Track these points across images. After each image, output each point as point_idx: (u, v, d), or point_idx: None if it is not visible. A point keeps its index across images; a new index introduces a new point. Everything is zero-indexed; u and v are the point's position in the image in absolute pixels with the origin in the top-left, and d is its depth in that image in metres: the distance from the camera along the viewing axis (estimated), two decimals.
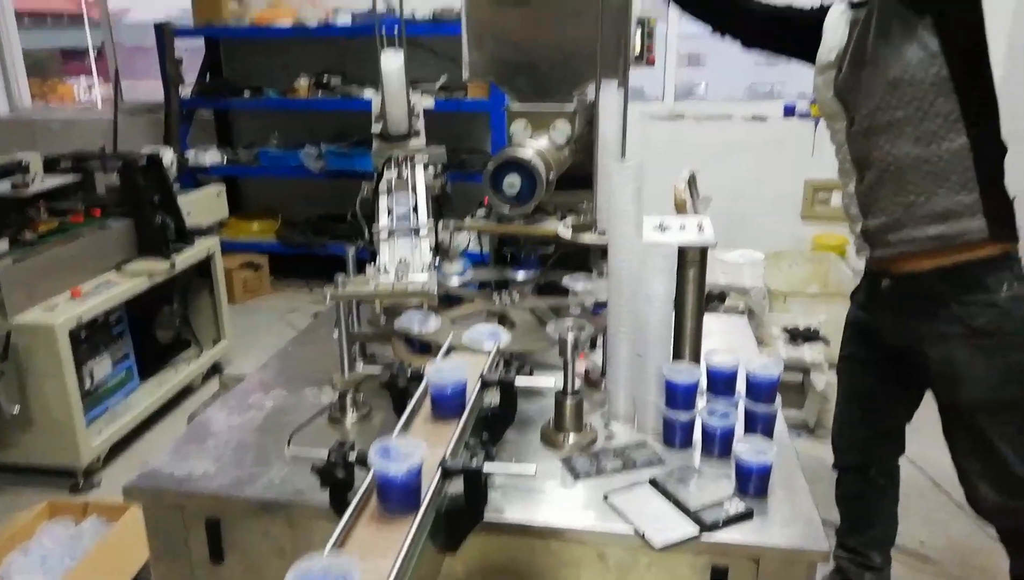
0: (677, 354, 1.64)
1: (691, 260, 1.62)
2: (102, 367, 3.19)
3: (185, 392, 3.69)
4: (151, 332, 3.57)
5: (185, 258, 3.52)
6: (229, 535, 1.40)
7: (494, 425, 1.46)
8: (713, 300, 3.48)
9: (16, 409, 2.79)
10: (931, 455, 3.02)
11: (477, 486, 1.13)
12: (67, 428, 2.89)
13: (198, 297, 3.85)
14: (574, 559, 1.30)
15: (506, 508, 1.30)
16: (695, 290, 1.65)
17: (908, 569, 2.52)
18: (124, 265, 3.31)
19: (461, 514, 1.15)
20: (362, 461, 1.11)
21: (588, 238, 1.96)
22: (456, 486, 1.16)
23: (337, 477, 1.10)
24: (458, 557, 1.29)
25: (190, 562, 1.43)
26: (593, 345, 1.88)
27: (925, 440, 3.16)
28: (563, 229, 2.03)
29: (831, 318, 3.61)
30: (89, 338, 3.08)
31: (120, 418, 3.22)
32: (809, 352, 3.27)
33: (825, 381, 3.19)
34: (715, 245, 1.65)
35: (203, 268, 3.74)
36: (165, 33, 5.12)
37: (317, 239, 5.19)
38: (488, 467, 1.12)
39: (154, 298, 3.48)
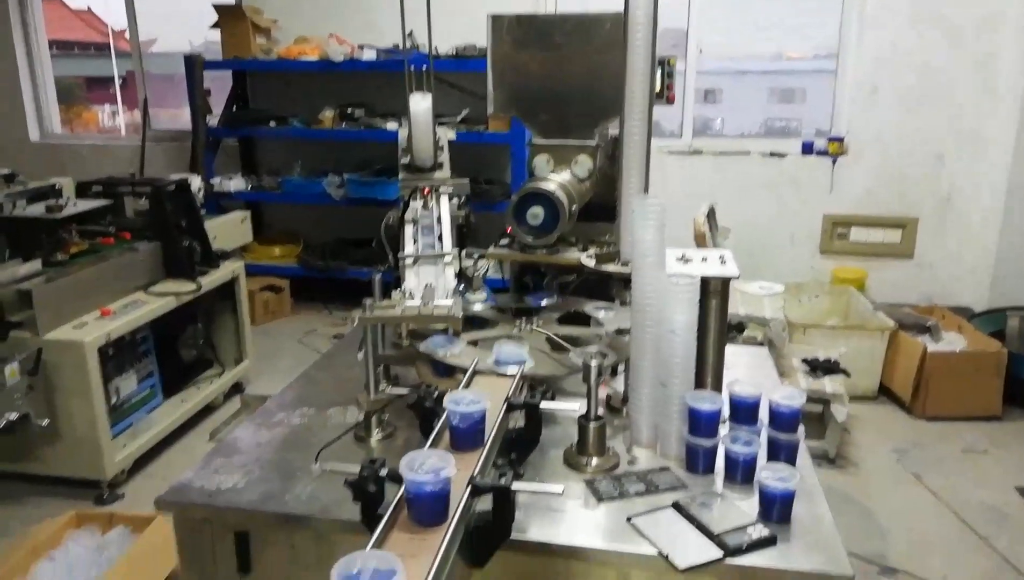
0: (699, 383, 1.66)
1: (713, 291, 1.65)
2: (128, 384, 3.24)
3: (207, 410, 3.73)
4: (175, 351, 3.64)
5: (211, 280, 3.59)
6: (256, 547, 1.43)
7: (519, 448, 1.48)
8: (731, 331, 3.49)
9: (45, 422, 2.85)
10: (953, 489, 3.01)
11: (506, 504, 1.16)
12: (93, 441, 2.94)
13: (221, 318, 3.91)
14: (596, 579, 1.31)
15: (529, 527, 1.32)
16: (717, 321, 1.67)
17: None
18: (152, 286, 3.38)
19: (489, 531, 1.17)
20: (393, 477, 1.14)
21: (612, 268, 2.00)
22: (484, 503, 1.18)
23: (369, 491, 1.13)
24: (482, 576, 1.31)
25: (218, 572, 1.45)
26: (614, 372, 1.90)
27: (947, 474, 3.16)
28: (587, 259, 2.07)
29: (851, 350, 3.61)
30: (116, 355, 3.15)
31: (144, 433, 3.27)
32: (830, 384, 3.27)
33: (846, 412, 3.19)
34: (738, 277, 1.67)
35: (226, 290, 3.81)
36: (195, 65, 5.27)
37: (337, 264, 5.27)
38: (517, 486, 1.15)
39: (179, 318, 3.54)
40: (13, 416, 2.74)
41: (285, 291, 5.37)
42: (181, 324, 3.63)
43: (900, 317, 4.02)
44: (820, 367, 3.36)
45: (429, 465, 1.08)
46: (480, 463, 1.23)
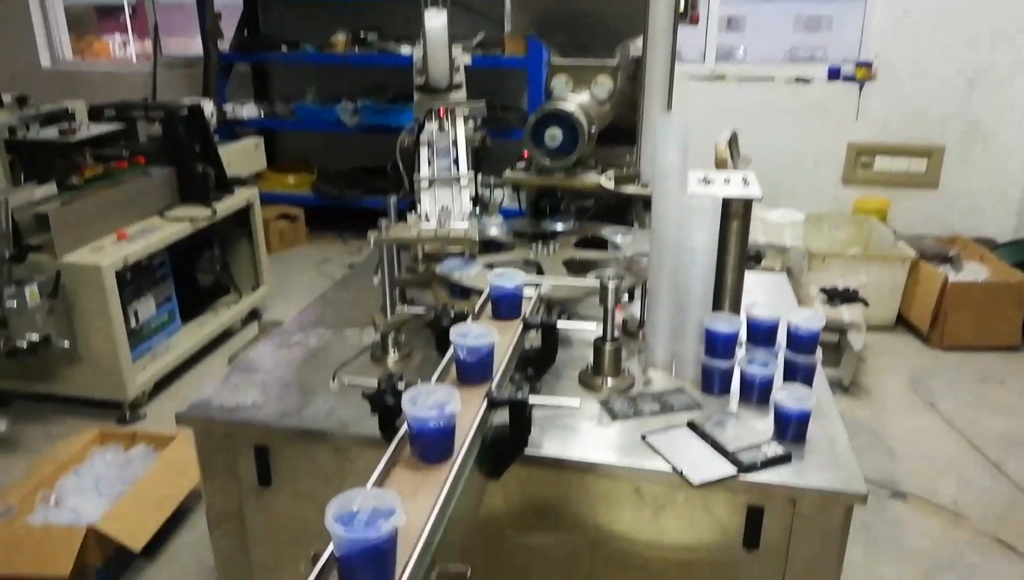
0: (717, 306, 1.64)
1: (735, 213, 1.61)
2: (146, 308, 3.28)
3: (224, 335, 3.79)
4: (192, 277, 3.66)
5: (226, 206, 3.58)
6: (276, 461, 1.46)
7: (535, 366, 1.48)
8: (748, 260, 3.46)
9: (66, 343, 2.90)
10: (968, 417, 3.02)
11: (523, 416, 1.16)
12: (114, 363, 3.00)
13: (237, 245, 3.92)
14: (610, 494, 1.33)
15: (544, 443, 1.33)
16: (738, 243, 1.64)
17: (941, 526, 2.52)
18: (167, 211, 3.38)
19: (506, 443, 1.18)
20: None
21: (631, 189, 1.96)
22: (501, 417, 1.19)
23: (387, 404, 1.14)
24: (498, 491, 1.34)
25: (239, 485, 1.49)
26: (631, 297, 1.89)
27: (962, 402, 3.17)
28: (606, 180, 2.03)
29: (871, 280, 3.57)
30: (134, 279, 3.17)
31: (163, 357, 3.33)
32: (847, 312, 3.25)
33: (862, 341, 3.17)
34: (760, 199, 1.63)
35: (242, 217, 3.80)
36: None
37: (351, 192, 5.23)
38: (533, 399, 1.15)
39: (195, 244, 3.55)
40: (35, 337, 2.79)
41: (300, 220, 5.37)
42: (198, 250, 3.64)
43: (922, 247, 3.96)
44: (838, 296, 3.33)
45: (433, 400, 1.03)
46: (498, 377, 1.23)
